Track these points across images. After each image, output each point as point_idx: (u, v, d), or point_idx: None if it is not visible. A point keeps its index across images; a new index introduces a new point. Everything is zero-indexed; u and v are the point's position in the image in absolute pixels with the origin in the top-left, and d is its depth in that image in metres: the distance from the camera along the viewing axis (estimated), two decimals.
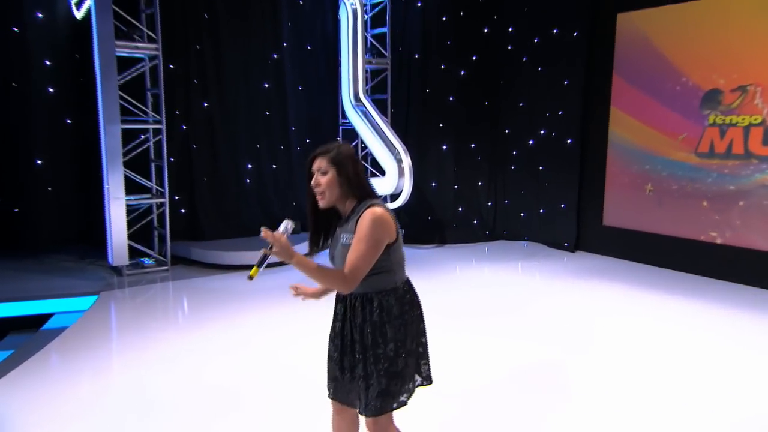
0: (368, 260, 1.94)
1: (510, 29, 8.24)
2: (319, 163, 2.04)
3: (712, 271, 6.46)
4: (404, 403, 2.09)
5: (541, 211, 8.23)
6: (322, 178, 2.03)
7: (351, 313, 2.09)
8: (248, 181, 7.71)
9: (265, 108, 7.76)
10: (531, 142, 8.21)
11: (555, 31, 7.82)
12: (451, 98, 8.30)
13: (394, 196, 7.40)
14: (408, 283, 2.15)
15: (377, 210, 1.99)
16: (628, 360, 4.22)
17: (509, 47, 8.28)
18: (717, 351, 4.41)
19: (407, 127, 8.35)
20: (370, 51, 7.85)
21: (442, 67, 8.25)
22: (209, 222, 7.33)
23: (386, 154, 7.13)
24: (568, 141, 7.74)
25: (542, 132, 8.06)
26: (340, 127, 8.40)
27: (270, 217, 7.77)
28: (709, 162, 6.52)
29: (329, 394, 2.24)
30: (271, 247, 1.83)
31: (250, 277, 1.85)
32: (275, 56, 7.76)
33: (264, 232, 1.81)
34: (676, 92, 6.74)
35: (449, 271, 6.98)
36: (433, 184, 8.36)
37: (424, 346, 2.17)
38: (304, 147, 8.20)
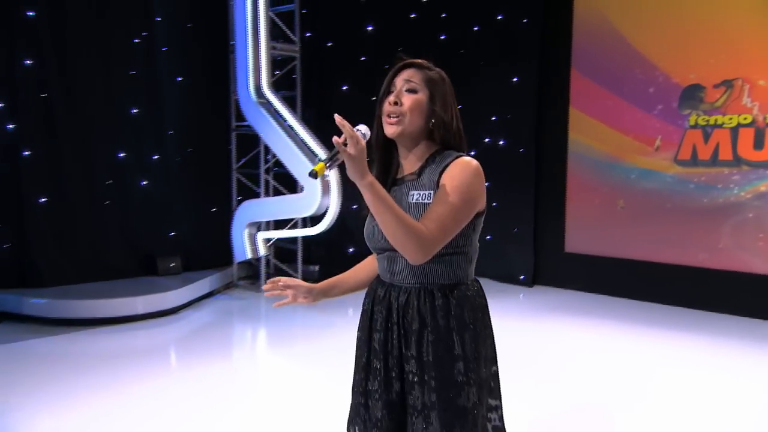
0: (460, 219, 1.57)
1: (442, 15, 7.59)
2: (409, 75, 1.67)
3: (700, 302, 6.00)
4: None
5: (488, 237, 7.52)
6: (408, 97, 1.65)
7: (399, 316, 1.65)
8: (107, 203, 6.30)
9: (130, 103, 6.44)
10: (473, 152, 7.41)
11: (499, 18, 7.28)
12: (374, 98, 7.34)
13: (315, 220, 6.31)
14: (479, 283, 1.74)
15: (473, 161, 1.62)
16: (612, 415, 3.66)
17: (442, 36, 7.62)
18: (721, 397, 4.01)
19: (319, 132, 7.32)
20: (274, 34, 6.79)
21: (362, 59, 7.41)
22: (49, 262, 5.88)
23: (303, 162, 6.02)
24: (520, 150, 7.21)
25: (487, 140, 7.50)
26: (233, 132, 7.18)
27: (138, 253, 6.43)
28: (692, 171, 6.09)
29: None
30: (346, 144, 1.42)
31: (315, 173, 1.44)
32: (144, 34, 6.49)
33: (339, 118, 1.44)
34: (649, 89, 6.33)
35: None
36: (355, 207, 7.35)
37: (497, 379, 1.72)
38: (186, 157, 6.94)
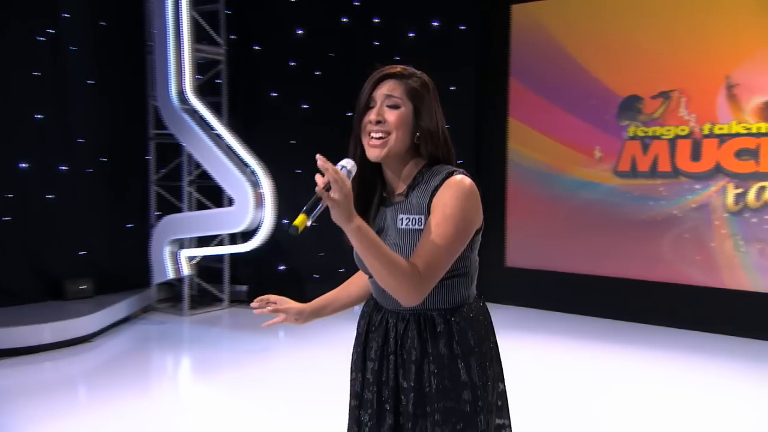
0: (453, 252, 1.49)
1: (375, 20, 7.49)
2: (390, 88, 1.55)
3: (642, 315, 6.09)
4: None
5: None
6: (391, 113, 1.54)
7: (397, 345, 1.58)
8: (7, 219, 5.83)
9: (34, 108, 5.98)
10: None
11: (435, 24, 7.24)
12: (304, 105, 7.25)
13: (247, 235, 6.03)
14: (481, 298, 1.69)
15: (466, 179, 1.54)
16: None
17: (375, 42, 7.52)
18: (666, 409, 4.06)
19: (246, 142, 7.06)
20: (197, 35, 6.49)
21: (291, 64, 7.20)
22: None
23: (235, 174, 5.75)
24: (458, 161, 7.04)
25: None
26: (151, 141, 6.81)
27: (43, 275, 5.97)
28: (631, 182, 6.21)
29: None
30: (328, 188, 1.30)
31: (296, 228, 1.32)
32: (50, 32, 6.06)
33: (322, 160, 1.31)
34: (588, 100, 6.43)
35: (318, 339, 5.77)
36: (285, 222, 7.12)
37: (504, 397, 1.68)
38: (98, 168, 6.51)
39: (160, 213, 6.71)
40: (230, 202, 6.01)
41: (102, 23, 6.58)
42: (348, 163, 1.48)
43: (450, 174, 1.55)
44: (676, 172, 5.97)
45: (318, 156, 1.35)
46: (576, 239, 6.54)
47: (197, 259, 6.57)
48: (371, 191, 1.63)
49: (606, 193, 6.37)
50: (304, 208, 1.36)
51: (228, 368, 5.09)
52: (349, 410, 1.72)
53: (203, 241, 6.56)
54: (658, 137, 6.05)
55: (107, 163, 6.61)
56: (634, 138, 6.19)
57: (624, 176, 6.26)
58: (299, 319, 1.82)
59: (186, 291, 6.54)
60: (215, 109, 6.49)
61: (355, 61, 7.45)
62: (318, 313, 1.86)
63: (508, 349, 5.28)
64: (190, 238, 6.44)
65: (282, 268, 7.17)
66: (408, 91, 1.56)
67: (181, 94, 6.09)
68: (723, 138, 5.71)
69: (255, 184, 5.78)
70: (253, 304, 1.81)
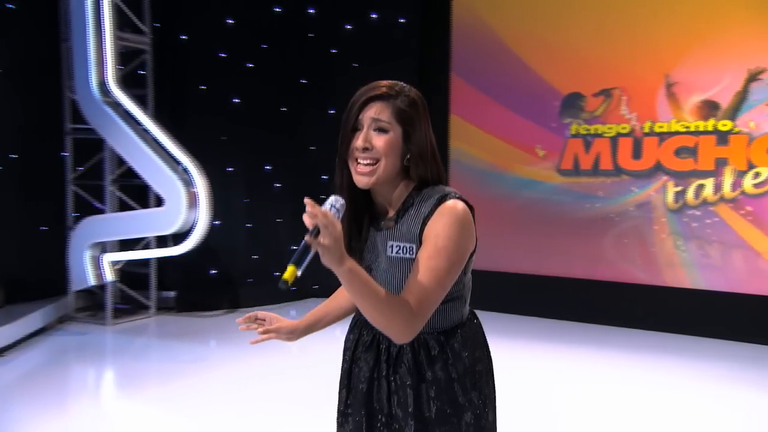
0: (446, 286, 1.46)
1: (310, 10, 7.35)
2: (377, 111, 1.49)
3: (585, 314, 6.16)
4: None
5: None
6: (379, 138, 1.48)
7: (390, 369, 1.54)
8: None
9: None
10: None
11: (373, 16, 7.16)
12: (235, 99, 7.02)
13: (178, 237, 5.76)
14: (475, 315, 1.68)
15: (458, 204, 1.49)
16: None
17: (310, 34, 7.37)
18: (616, 407, 4.14)
19: (173, 138, 6.76)
20: (119, 22, 6.14)
21: (221, 55, 6.95)
22: None
23: (165, 172, 5.48)
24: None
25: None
26: (68, 136, 6.41)
27: None
28: (574, 181, 6.30)
29: None
30: (317, 234, 1.26)
31: (286, 282, 1.28)
32: None
33: (310, 205, 1.28)
34: (531, 97, 6.49)
35: (254, 347, 5.55)
36: (216, 223, 6.86)
37: (495, 424, 1.65)
38: (8, 166, 6.11)
39: (79, 214, 6.32)
40: (159, 202, 5.72)
41: (10, 6, 6.14)
42: (337, 202, 1.40)
43: (442, 199, 1.51)
44: (618, 171, 6.08)
45: (306, 200, 1.31)
46: (519, 239, 6.57)
47: (121, 264, 6.23)
48: (361, 214, 1.58)
49: (549, 191, 6.43)
50: (293, 259, 1.32)
51: (156, 381, 4.82)
52: (336, 427, 1.70)
53: (126, 245, 6.22)
54: (600, 135, 6.14)
55: (18, 160, 6.17)
56: (576, 136, 6.26)
57: (567, 174, 6.33)
58: (291, 337, 1.77)
59: (109, 298, 6.19)
60: (140, 102, 6.16)
61: (289, 53, 7.29)
62: (310, 329, 1.80)
63: None
64: (113, 241, 6.10)
65: (213, 272, 6.90)
66: (396, 113, 1.51)
67: (103, 85, 5.75)
68: (663, 136, 5.85)
69: (188, 182, 5.53)
70: (239, 320, 1.77)
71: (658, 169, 5.88)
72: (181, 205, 5.45)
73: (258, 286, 7.15)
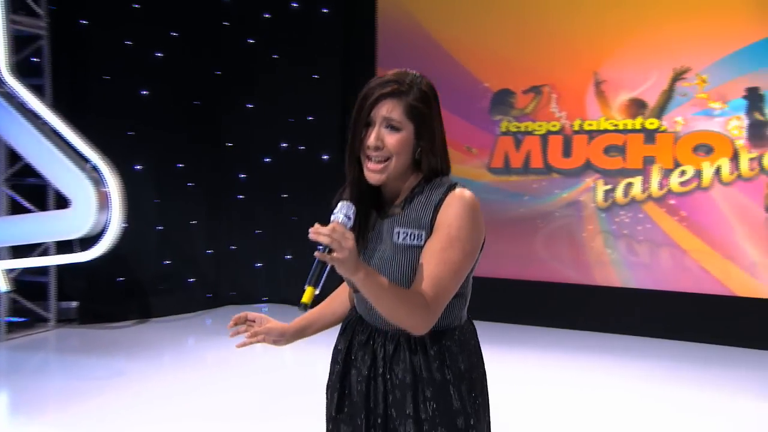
0: (460, 277, 1.51)
1: None
2: (389, 109, 1.50)
3: (515, 316, 6.17)
4: None
5: (287, 257, 7.12)
6: (390, 137, 1.50)
7: (386, 367, 1.54)
8: None
9: None
10: (267, 159, 7.18)
11: (294, 5, 6.94)
12: (143, 92, 6.63)
13: (86, 242, 5.36)
14: (471, 322, 1.68)
15: (467, 194, 1.53)
16: None
17: (225, 23, 7.07)
18: (555, 409, 4.17)
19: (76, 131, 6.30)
20: (11, 2, 5.63)
21: (127, 43, 6.55)
22: None
23: (71, 170, 5.07)
24: (324, 157, 6.93)
25: (284, 145, 7.11)
26: None
27: None
28: (505, 179, 6.29)
29: None
30: (329, 251, 1.30)
31: (305, 306, 1.35)
32: None
33: (315, 230, 1.31)
34: (460, 93, 6.43)
35: (172, 361, 5.28)
36: (124, 226, 6.44)
37: (489, 425, 1.66)
38: None
39: None
40: (61, 204, 5.27)
41: None
42: (348, 209, 1.42)
43: (451, 188, 1.54)
44: (548, 169, 6.12)
45: (311, 231, 1.33)
46: None
47: (16, 273, 5.73)
48: (369, 204, 1.59)
49: (479, 190, 6.30)
50: (310, 280, 1.35)
51: (57, 404, 4.44)
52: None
53: (19, 251, 5.72)
54: (530, 133, 6.16)
55: None
56: (506, 133, 6.26)
57: (497, 173, 6.32)
58: (280, 340, 1.75)
59: (1, 311, 5.67)
60: (37, 92, 5.68)
61: (201, 43, 6.97)
62: (301, 333, 1.79)
63: None
64: (4, 247, 5.60)
65: (120, 279, 6.47)
66: (408, 110, 1.52)
67: None
68: (592, 134, 5.92)
69: (98, 181, 5.14)
70: (228, 326, 1.75)
71: (588, 167, 5.95)
72: (91, 206, 5.08)
73: (170, 293, 6.78)
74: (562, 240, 6.09)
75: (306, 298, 1.36)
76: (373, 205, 1.61)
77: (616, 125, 5.83)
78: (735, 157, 5.44)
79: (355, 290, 1.60)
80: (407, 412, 1.53)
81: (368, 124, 1.53)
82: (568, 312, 6.01)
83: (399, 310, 1.43)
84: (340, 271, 1.36)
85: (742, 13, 5.40)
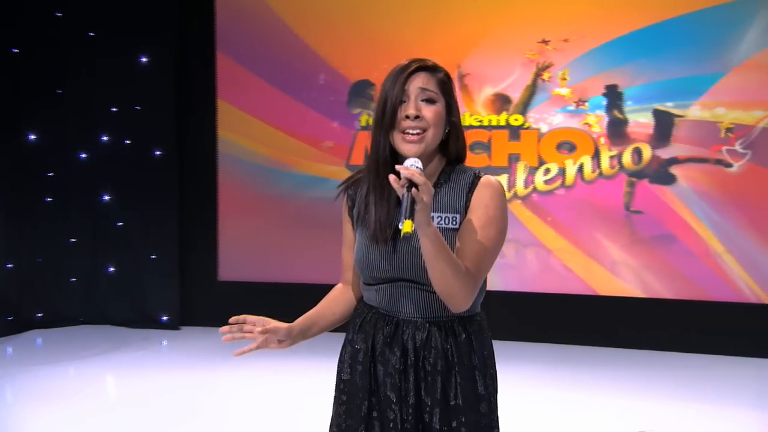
0: (497, 253, 1.65)
1: None
2: (424, 82, 1.63)
3: None
4: None
5: (110, 269, 6.27)
6: (427, 108, 1.61)
7: (419, 356, 1.62)
8: None
9: None
10: (83, 155, 6.30)
11: None
12: None
13: None
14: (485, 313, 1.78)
15: (496, 180, 1.69)
16: None
17: None
18: None
19: None
20: None
21: None
22: None
23: None
24: (156, 153, 6.17)
25: (104, 138, 6.26)
26: None
27: None
28: None
29: None
30: (415, 187, 1.40)
31: (409, 235, 1.40)
32: None
33: (405, 170, 1.42)
34: (315, 83, 6.05)
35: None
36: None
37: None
38: None
39: None
40: None
41: None
42: (417, 162, 1.53)
43: (478, 174, 1.68)
44: None
45: (401, 168, 1.44)
46: (305, 243, 6.06)
47: None
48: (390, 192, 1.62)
49: (335, 189, 5.98)
50: (405, 215, 1.40)
51: None
52: None
53: None
54: None
55: None
56: (367, 128, 5.91)
57: (356, 169, 5.94)
58: (285, 341, 1.72)
59: None
60: None
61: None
62: (305, 333, 1.78)
63: (227, 380, 4.83)
64: None
65: None
66: (440, 84, 1.64)
67: None
68: None
69: None
70: (222, 330, 1.67)
71: None
72: None
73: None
74: None
75: (407, 228, 1.40)
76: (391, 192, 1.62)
77: (481, 121, 5.71)
78: (596, 155, 5.54)
79: (382, 277, 1.66)
80: (437, 398, 1.60)
81: (401, 102, 1.60)
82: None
83: (454, 275, 1.50)
84: (419, 218, 1.42)
85: (601, 9, 5.50)
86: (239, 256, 6.20)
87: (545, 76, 5.58)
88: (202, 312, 6.23)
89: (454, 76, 5.62)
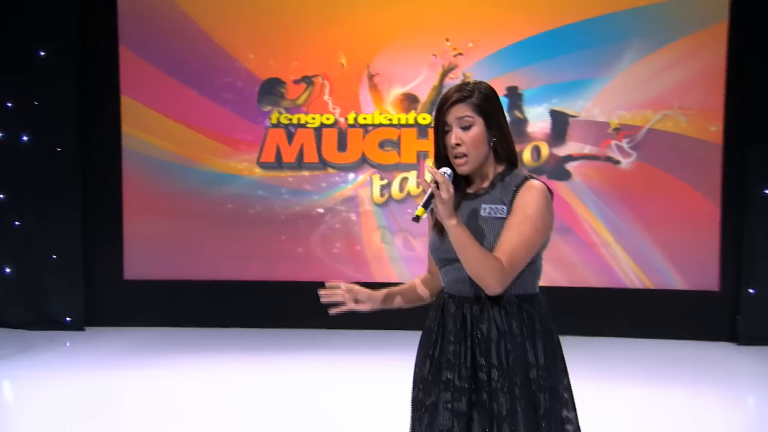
0: (532, 249, 1.90)
1: None
2: (459, 111, 1.93)
3: (297, 319, 5.97)
4: None
5: (6, 270, 6.13)
6: (466, 134, 1.92)
7: (474, 326, 1.92)
8: None
9: None
10: None
11: None
12: None
13: None
14: (546, 296, 2.02)
15: (540, 183, 1.94)
16: None
17: None
18: (339, 410, 4.31)
19: None
20: None
21: None
22: None
23: None
24: (56, 150, 6.02)
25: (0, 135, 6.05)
26: None
27: None
28: (277, 175, 6.10)
29: None
30: (437, 185, 1.76)
31: (418, 218, 1.82)
32: None
33: (431, 169, 1.81)
34: (223, 80, 6.08)
35: None
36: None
37: (570, 390, 1.99)
38: None
39: None
40: None
41: None
42: (448, 170, 1.87)
43: (527, 178, 1.94)
44: (323, 164, 6.02)
45: (427, 166, 1.84)
46: (214, 241, 6.10)
47: None
48: (456, 188, 1.91)
49: (248, 186, 6.08)
50: (422, 204, 1.79)
51: None
52: (413, 402, 2.02)
53: None
54: (303, 126, 6.00)
55: None
56: (277, 126, 6.02)
57: (268, 168, 6.05)
58: (368, 303, 2.05)
59: None
60: None
61: None
62: (386, 302, 2.10)
63: (133, 381, 4.82)
64: None
65: None
66: (476, 107, 1.91)
67: None
68: (367, 128, 5.96)
69: None
70: (321, 291, 2.03)
71: (364, 161, 5.98)
72: None
73: None
74: (339, 237, 6.05)
75: (419, 212, 1.79)
76: (459, 190, 1.95)
77: (390, 119, 5.94)
78: None
79: (443, 260, 1.95)
80: (492, 361, 1.87)
81: (447, 131, 1.92)
82: (352, 313, 5.97)
83: (480, 262, 1.80)
84: (440, 212, 1.77)
85: (503, 15, 5.84)
86: (145, 255, 6.13)
87: (451, 77, 5.88)
88: (108, 313, 6.14)
89: (364, 75, 5.87)
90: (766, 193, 5.54)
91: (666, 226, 5.73)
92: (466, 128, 1.90)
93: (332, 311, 2.05)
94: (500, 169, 1.97)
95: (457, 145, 1.90)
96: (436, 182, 1.74)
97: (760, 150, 5.53)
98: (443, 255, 1.95)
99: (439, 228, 1.93)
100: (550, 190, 1.94)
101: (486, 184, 1.97)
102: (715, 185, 5.68)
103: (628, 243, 5.79)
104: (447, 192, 1.74)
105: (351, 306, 2.03)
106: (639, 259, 5.78)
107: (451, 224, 1.77)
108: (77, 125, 6.00)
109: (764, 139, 5.52)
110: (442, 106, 1.93)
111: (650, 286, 5.78)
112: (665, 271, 5.74)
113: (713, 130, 5.66)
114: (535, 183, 1.91)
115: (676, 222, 5.72)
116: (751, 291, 5.56)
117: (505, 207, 1.89)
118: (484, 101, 1.91)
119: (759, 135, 5.54)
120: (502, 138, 1.94)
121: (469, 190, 2.00)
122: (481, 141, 1.91)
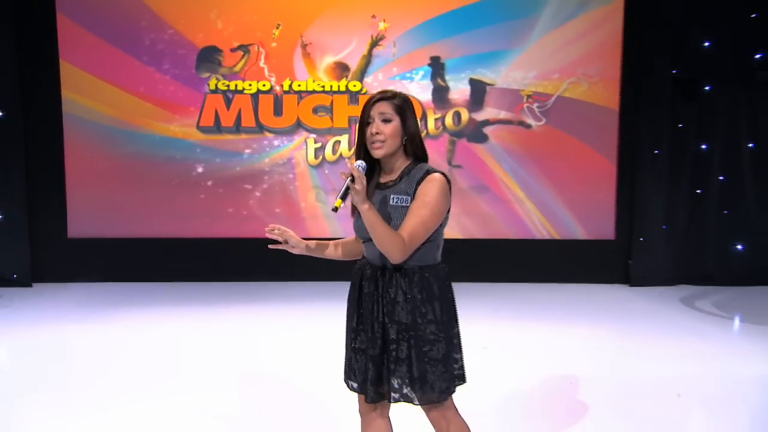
0: (429, 229, 2.30)
1: None
2: (382, 108, 2.33)
3: (235, 273, 6.48)
4: (451, 392, 2.42)
5: None
6: (385, 126, 2.31)
7: (384, 290, 2.36)
8: None
9: None
10: None
11: None
12: None
13: None
14: (444, 264, 2.46)
15: (441, 177, 2.33)
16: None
17: None
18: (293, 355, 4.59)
19: None
20: None
21: None
22: None
23: None
24: None
25: None
26: None
27: None
28: (216, 138, 6.47)
29: (366, 399, 2.43)
30: (353, 179, 2.12)
31: (336, 209, 2.19)
32: None
33: (350, 163, 2.18)
34: (163, 47, 6.37)
35: None
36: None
37: (459, 336, 2.48)
38: None
39: None
40: None
41: None
42: (362, 164, 2.28)
43: (429, 171, 2.34)
44: (260, 128, 6.44)
45: (347, 162, 2.26)
46: (156, 201, 6.45)
47: None
48: (370, 177, 2.39)
49: (188, 149, 6.44)
50: (340, 195, 2.16)
51: None
52: (346, 344, 2.49)
53: None
54: (240, 92, 6.39)
55: None
56: (216, 92, 6.38)
57: (207, 132, 6.43)
58: (295, 248, 2.53)
59: None
60: None
61: None
62: (311, 250, 2.59)
63: (80, 334, 5.04)
64: None
65: None
66: (395, 108, 2.33)
67: None
68: (301, 94, 6.41)
69: None
70: (266, 228, 2.51)
71: (299, 126, 6.45)
72: None
73: None
74: (277, 197, 6.51)
75: (337, 204, 2.16)
76: (373, 179, 2.40)
77: (323, 86, 6.41)
78: (424, 118, 6.45)
79: (363, 238, 2.37)
80: (396, 318, 2.33)
81: (369, 123, 2.32)
82: (287, 265, 6.40)
83: (385, 238, 2.21)
84: (354, 197, 2.14)
85: None
86: (88, 214, 6.44)
87: (379, 46, 6.38)
88: (54, 270, 6.42)
89: (298, 45, 6.30)
90: (655, 153, 6.36)
91: (570, 183, 6.49)
92: (385, 121, 2.30)
93: (270, 246, 2.53)
94: (407, 163, 2.37)
95: (377, 133, 2.29)
96: (351, 176, 2.10)
97: (651, 115, 6.32)
98: (361, 234, 2.38)
99: (356, 212, 2.35)
100: (448, 180, 2.32)
101: (395, 177, 2.36)
102: (612, 146, 6.47)
103: (537, 199, 6.52)
104: (360, 183, 2.10)
105: (284, 246, 2.51)
106: (547, 213, 6.53)
107: (364, 209, 2.15)
108: (18, 89, 6.17)
109: (655, 106, 6.31)
110: (368, 102, 2.33)
111: (556, 236, 6.55)
112: (569, 223, 6.53)
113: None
114: (435, 176, 2.29)
115: (578, 179, 6.49)
116: (641, 239, 6.42)
117: (409, 197, 2.29)
118: (403, 104, 2.33)
119: (650, 102, 6.32)
120: (413, 137, 2.34)
121: (381, 180, 2.40)
122: (395, 134, 2.31)
